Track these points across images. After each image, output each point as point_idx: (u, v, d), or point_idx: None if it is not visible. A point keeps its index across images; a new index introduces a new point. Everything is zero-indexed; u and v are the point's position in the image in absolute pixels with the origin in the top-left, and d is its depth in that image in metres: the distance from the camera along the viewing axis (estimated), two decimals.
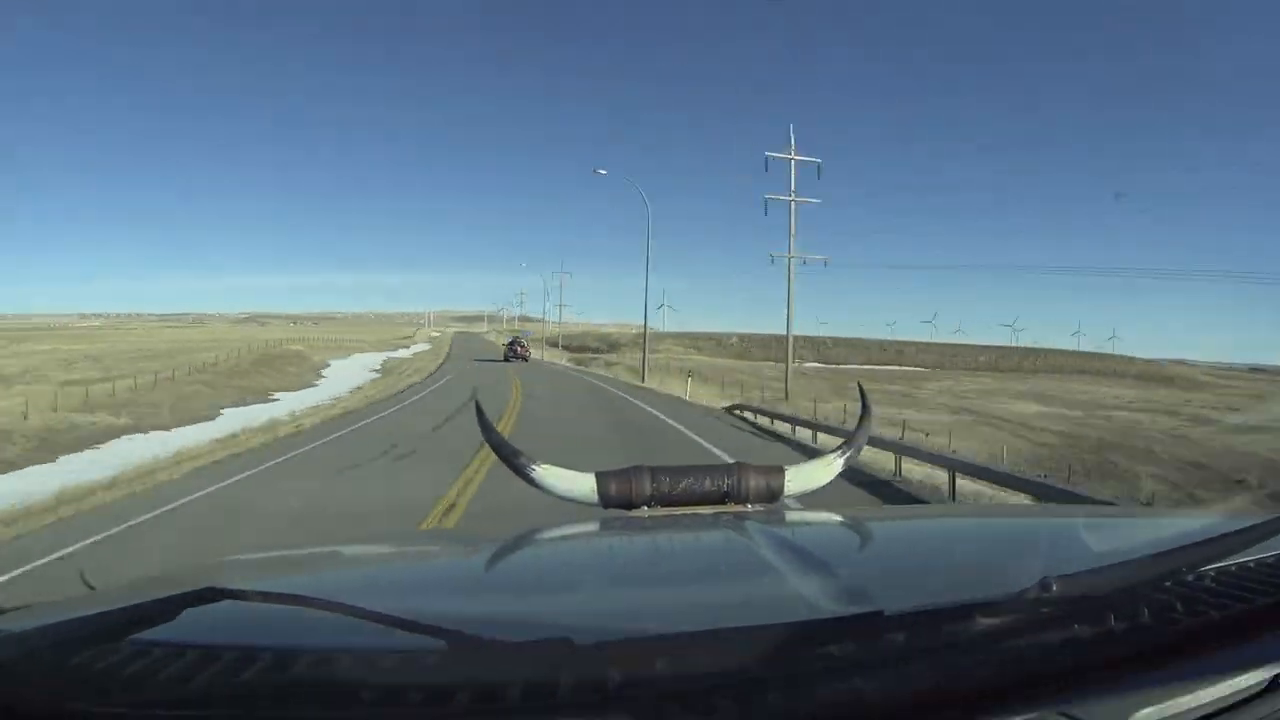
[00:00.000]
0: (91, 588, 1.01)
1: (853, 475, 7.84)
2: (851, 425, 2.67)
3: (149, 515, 6.94)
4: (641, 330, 40.17)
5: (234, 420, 15.05)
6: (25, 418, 13.09)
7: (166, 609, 0.60)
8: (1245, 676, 0.65)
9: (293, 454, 10.79)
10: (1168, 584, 0.68)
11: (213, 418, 15.75)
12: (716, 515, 1.20)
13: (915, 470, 9.81)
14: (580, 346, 69.70)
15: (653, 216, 33.47)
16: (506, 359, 41.54)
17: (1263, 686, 0.65)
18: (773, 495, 1.26)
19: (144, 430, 13.47)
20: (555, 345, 66.73)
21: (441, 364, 38.80)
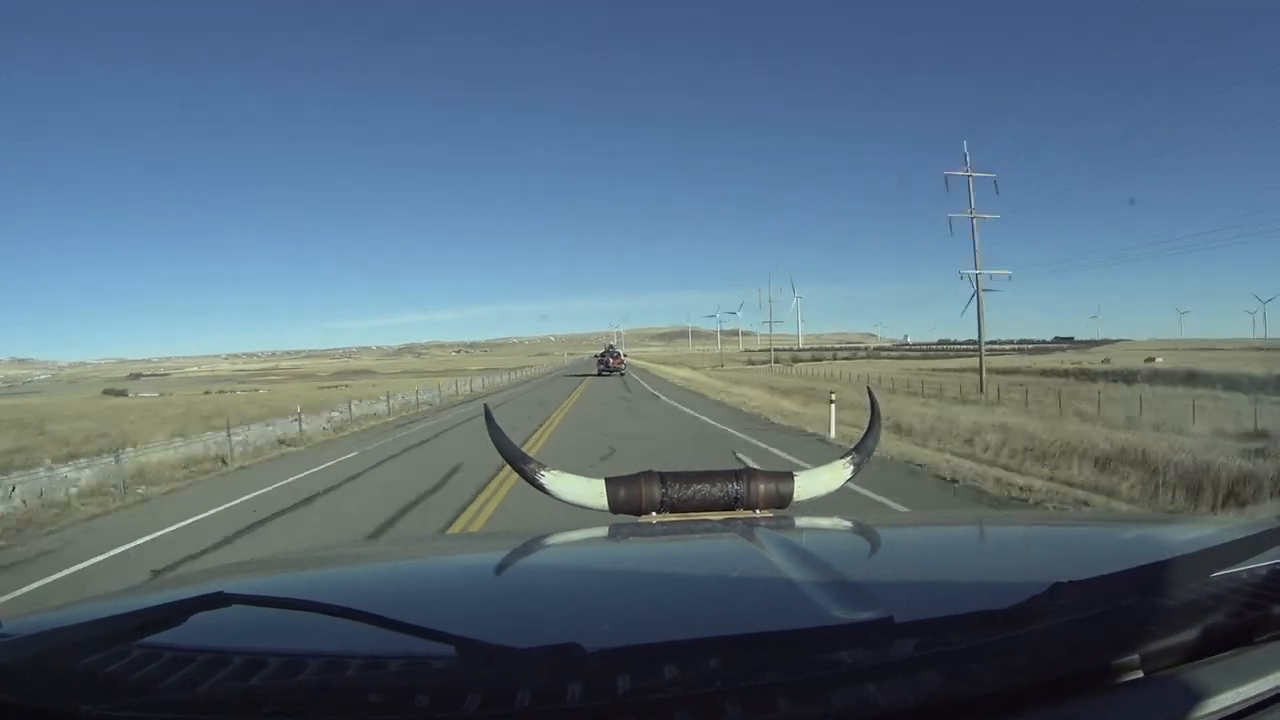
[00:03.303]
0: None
1: None
2: None
3: None
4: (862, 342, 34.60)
5: None
6: None
7: (176, 613, 0.60)
8: (1257, 683, 0.64)
9: None
10: (1178, 591, 0.67)
11: None
12: (726, 521, 1.20)
13: None
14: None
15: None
16: (600, 373, 40.80)
17: (1276, 693, 0.65)
18: (782, 501, 1.26)
19: None
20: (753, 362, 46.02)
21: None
